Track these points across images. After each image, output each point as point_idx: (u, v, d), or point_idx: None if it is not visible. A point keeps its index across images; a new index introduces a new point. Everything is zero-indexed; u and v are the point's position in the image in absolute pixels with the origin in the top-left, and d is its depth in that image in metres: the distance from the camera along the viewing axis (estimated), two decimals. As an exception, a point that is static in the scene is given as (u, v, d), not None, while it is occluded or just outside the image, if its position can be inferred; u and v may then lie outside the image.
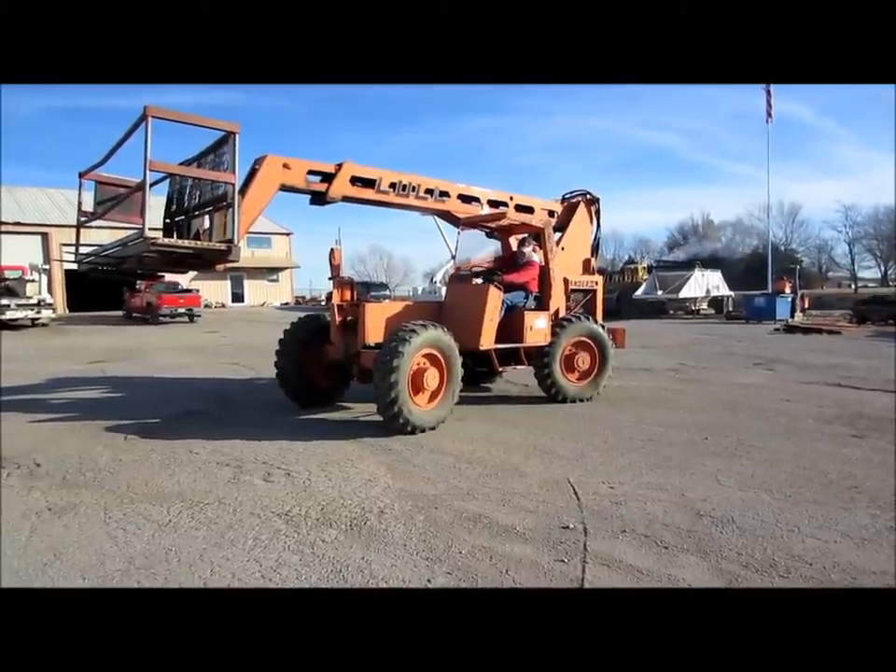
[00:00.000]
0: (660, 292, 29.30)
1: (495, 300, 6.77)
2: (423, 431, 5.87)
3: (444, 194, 7.16)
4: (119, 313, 30.41)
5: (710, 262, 36.68)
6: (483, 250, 9.16)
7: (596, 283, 8.28)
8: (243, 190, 5.72)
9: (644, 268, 37.85)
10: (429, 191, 7.03)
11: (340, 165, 6.42)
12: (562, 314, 7.61)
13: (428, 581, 2.98)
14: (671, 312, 29.46)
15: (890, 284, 56.78)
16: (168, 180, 6.40)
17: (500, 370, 7.23)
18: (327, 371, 7.17)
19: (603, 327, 7.82)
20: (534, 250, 7.56)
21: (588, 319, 7.62)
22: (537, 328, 7.14)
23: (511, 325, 7.06)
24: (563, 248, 7.86)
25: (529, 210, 7.88)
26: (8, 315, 21.75)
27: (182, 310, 26.36)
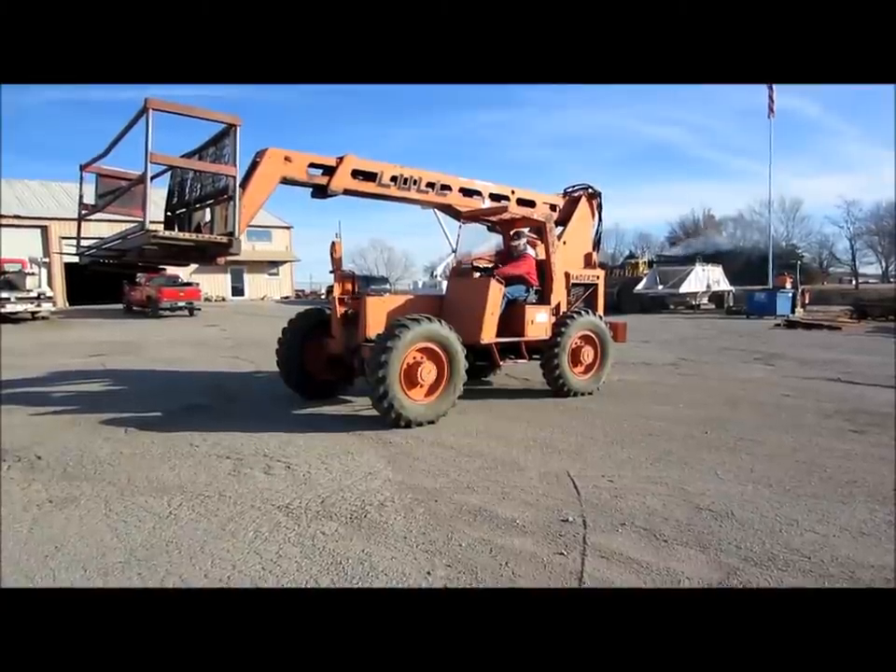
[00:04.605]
0: (661, 287, 29.24)
1: (496, 293, 6.77)
2: (420, 425, 5.87)
3: (446, 188, 7.14)
4: (119, 306, 30.42)
5: (711, 257, 36.64)
6: (484, 244, 9.16)
7: (597, 277, 8.28)
8: (244, 183, 5.71)
9: (645, 262, 37.81)
10: (431, 185, 7.01)
11: (341, 158, 6.41)
12: (563, 308, 7.61)
13: (428, 573, 2.99)
14: (672, 307, 29.40)
15: (891, 280, 56.66)
16: (169, 173, 6.39)
17: (501, 363, 7.24)
18: (328, 363, 7.18)
19: (606, 323, 7.84)
20: (529, 242, 7.56)
21: (590, 313, 7.63)
22: (538, 321, 7.15)
23: (511, 319, 7.07)
24: (564, 242, 7.85)
25: (531, 204, 7.87)
26: (8, 308, 21.77)
27: (182, 303, 26.34)
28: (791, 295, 24.79)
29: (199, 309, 27.17)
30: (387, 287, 32.76)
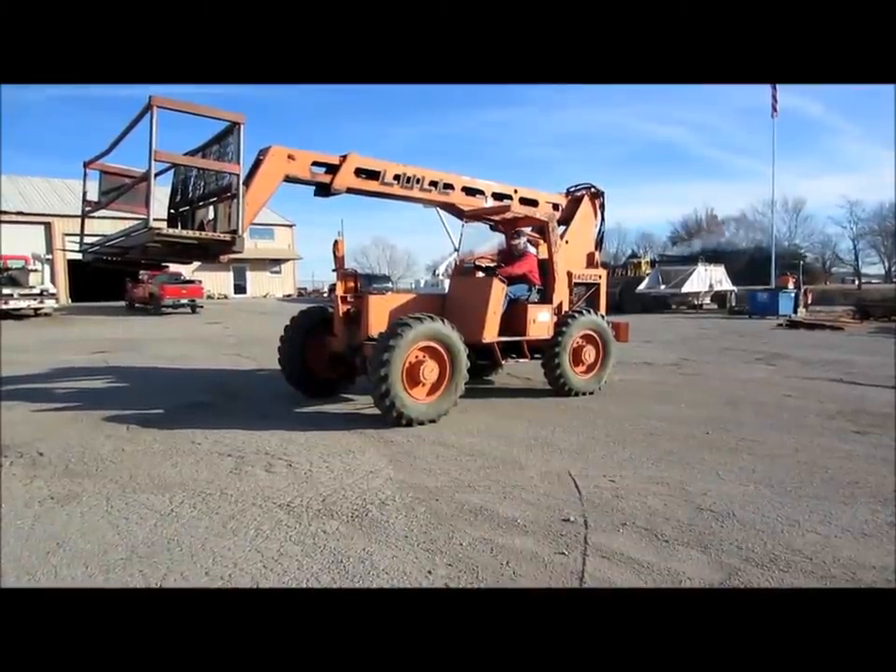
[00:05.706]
0: (663, 287, 29.17)
1: (498, 292, 6.77)
2: (421, 424, 5.87)
3: (448, 186, 7.14)
4: (122, 303, 30.47)
5: (714, 257, 36.55)
6: (486, 243, 9.16)
7: (600, 276, 8.27)
8: (247, 181, 5.72)
9: (647, 262, 37.74)
10: (433, 184, 7.01)
11: (344, 157, 6.41)
12: (565, 307, 7.61)
13: (429, 572, 2.99)
14: (674, 306, 29.35)
15: (894, 280, 56.49)
16: (173, 170, 6.39)
17: (502, 362, 7.24)
18: (330, 362, 7.19)
19: (608, 322, 7.83)
20: (530, 241, 7.56)
21: (592, 313, 7.62)
22: (540, 321, 7.14)
23: (513, 318, 7.07)
24: (567, 242, 7.84)
25: (533, 203, 7.86)
26: (11, 304, 21.80)
27: (184, 301, 26.39)
28: (793, 295, 24.73)
29: (201, 306, 27.23)
30: (389, 285, 32.78)
